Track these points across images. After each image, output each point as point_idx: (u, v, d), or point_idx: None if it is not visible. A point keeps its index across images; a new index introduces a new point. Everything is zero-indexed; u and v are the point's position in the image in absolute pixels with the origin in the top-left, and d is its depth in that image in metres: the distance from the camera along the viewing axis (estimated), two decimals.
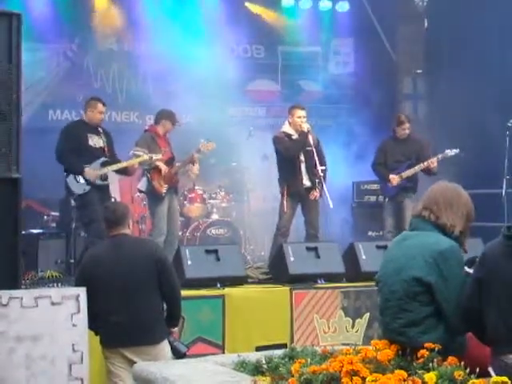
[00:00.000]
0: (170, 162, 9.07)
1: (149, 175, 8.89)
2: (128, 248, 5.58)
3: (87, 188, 8.15)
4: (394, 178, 9.41)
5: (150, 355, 5.35)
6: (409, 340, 3.83)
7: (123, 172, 8.70)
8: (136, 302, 5.43)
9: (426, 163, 9.30)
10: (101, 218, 8.14)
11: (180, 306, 5.68)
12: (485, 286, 3.71)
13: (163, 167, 8.87)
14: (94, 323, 5.50)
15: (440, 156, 9.39)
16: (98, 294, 5.42)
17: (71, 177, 8.17)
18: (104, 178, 8.35)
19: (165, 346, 5.52)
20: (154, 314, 5.51)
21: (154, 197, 8.94)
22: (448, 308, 3.83)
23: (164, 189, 8.86)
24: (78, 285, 5.60)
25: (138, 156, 8.72)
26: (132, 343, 5.44)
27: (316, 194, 8.86)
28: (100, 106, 8.43)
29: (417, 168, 9.37)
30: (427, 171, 9.40)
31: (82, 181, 8.15)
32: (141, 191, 9.23)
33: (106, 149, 8.42)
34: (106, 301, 5.46)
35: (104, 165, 8.32)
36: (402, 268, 3.95)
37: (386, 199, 9.71)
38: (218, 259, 7.20)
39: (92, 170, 8.16)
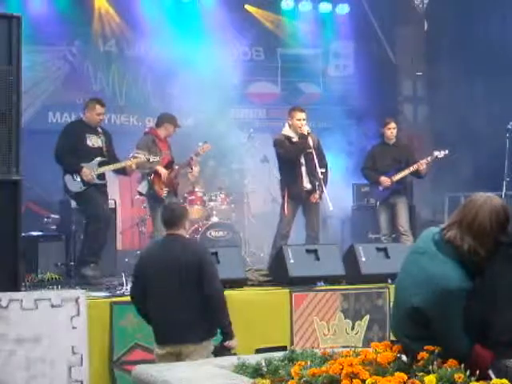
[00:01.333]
0: (169, 165, 9.08)
1: (149, 178, 8.90)
2: (175, 249, 5.69)
3: (84, 187, 8.16)
4: (386, 180, 9.47)
5: (191, 353, 5.44)
6: (412, 350, 3.78)
7: (121, 172, 8.70)
8: (177, 301, 5.53)
9: (415, 166, 9.40)
10: (101, 211, 8.21)
11: (220, 310, 5.68)
12: (487, 291, 3.70)
13: (163, 172, 8.88)
14: (148, 319, 5.71)
15: (429, 158, 9.48)
16: (147, 291, 5.60)
17: (68, 176, 8.19)
18: (101, 177, 8.36)
19: (207, 347, 5.59)
20: (195, 314, 5.55)
21: (154, 200, 8.96)
22: (441, 339, 3.72)
23: (164, 192, 8.88)
24: (132, 280, 5.90)
25: (138, 158, 8.73)
26: (173, 341, 5.54)
27: (316, 196, 8.86)
28: (98, 107, 8.42)
29: (406, 171, 9.48)
30: (416, 174, 9.52)
31: (78, 179, 8.17)
32: (141, 194, 9.23)
33: (104, 149, 8.42)
34: (154, 298, 5.60)
35: (101, 165, 8.33)
36: (409, 288, 3.80)
37: (378, 202, 9.75)
38: (218, 261, 7.18)
39: (88, 170, 8.17)
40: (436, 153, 9.49)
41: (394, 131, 9.70)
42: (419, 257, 3.82)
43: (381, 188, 9.58)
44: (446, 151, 9.43)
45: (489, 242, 3.65)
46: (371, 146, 10.00)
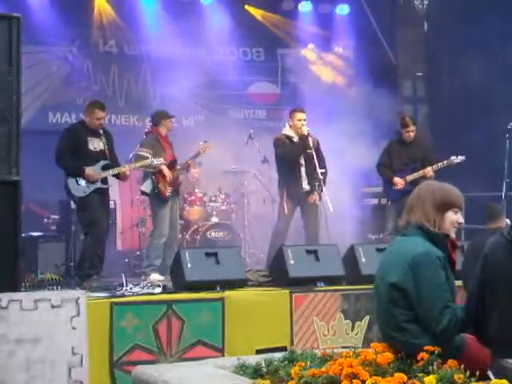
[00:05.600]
0: (172, 164, 9.07)
1: (154, 177, 8.87)
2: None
3: (88, 191, 8.09)
4: (400, 182, 9.39)
5: None
6: (401, 344, 3.83)
7: (117, 176, 8.63)
8: None
9: (423, 171, 9.30)
10: (101, 220, 8.17)
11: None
12: (488, 288, 3.70)
13: (167, 172, 8.86)
14: None
15: (445, 162, 9.37)
16: None
17: (72, 179, 8.12)
18: (105, 181, 8.32)
19: None
20: None
21: (158, 199, 8.91)
22: (422, 313, 3.82)
23: (169, 191, 8.87)
24: None
25: (142, 156, 8.71)
26: None
27: (314, 197, 8.86)
28: (97, 112, 8.29)
29: (421, 173, 9.35)
30: (424, 177, 9.43)
31: (82, 183, 8.09)
32: (144, 193, 9.13)
33: (106, 151, 8.37)
34: None
35: (105, 168, 8.28)
36: (385, 273, 4.00)
37: (389, 202, 9.69)
38: (218, 262, 7.18)
39: (93, 171, 8.13)
40: (453, 157, 9.35)
41: (413, 134, 9.58)
42: (393, 246, 4.19)
43: (394, 187, 9.50)
44: (463, 157, 9.29)
45: (420, 212, 4.00)
46: (388, 142, 9.90)
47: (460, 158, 9.31)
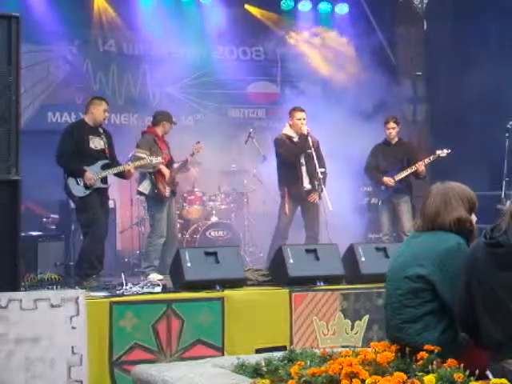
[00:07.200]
0: (169, 164, 9.06)
1: (153, 177, 8.86)
2: None
3: (87, 191, 8.08)
4: (390, 180, 9.48)
5: None
6: (407, 337, 3.84)
7: (120, 175, 8.63)
8: None
9: (414, 167, 9.38)
10: (101, 220, 8.16)
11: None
12: (472, 290, 3.71)
13: (166, 172, 8.85)
14: None
15: (432, 157, 9.46)
16: None
17: (72, 179, 8.10)
18: (104, 180, 8.31)
19: None
20: None
21: (156, 199, 8.89)
22: (450, 305, 3.86)
23: (167, 192, 8.86)
24: None
25: (140, 158, 8.70)
26: None
27: (315, 196, 8.87)
28: (104, 103, 8.36)
29: (409, 170, 9.47)
30: (416, 175, 9.49)
31: (82, 183, 8.08)
32: (142, 193, 9.12)
33: (106, 150, 8.36)
34: None
35: (104, 167, 8.27)
36: (407, 265, 4.00)
37: (380, 202, 9.77)
38: (218, 261, 7.17)
39: (92, 175, 8.09)
40: (438, 151, 9.46)
41: (393, 131, 9.69)
42: (412, 239, 4.17)
43: (383, 188, 9.59)
44: (449, 150, 9.40)
45: (457, 217, 4.00)
46: (373, 146, 9.99)
47: (445, 151, 9.40)
